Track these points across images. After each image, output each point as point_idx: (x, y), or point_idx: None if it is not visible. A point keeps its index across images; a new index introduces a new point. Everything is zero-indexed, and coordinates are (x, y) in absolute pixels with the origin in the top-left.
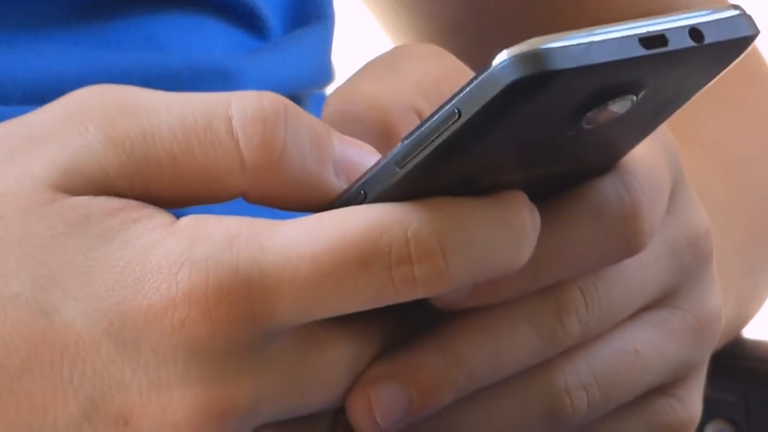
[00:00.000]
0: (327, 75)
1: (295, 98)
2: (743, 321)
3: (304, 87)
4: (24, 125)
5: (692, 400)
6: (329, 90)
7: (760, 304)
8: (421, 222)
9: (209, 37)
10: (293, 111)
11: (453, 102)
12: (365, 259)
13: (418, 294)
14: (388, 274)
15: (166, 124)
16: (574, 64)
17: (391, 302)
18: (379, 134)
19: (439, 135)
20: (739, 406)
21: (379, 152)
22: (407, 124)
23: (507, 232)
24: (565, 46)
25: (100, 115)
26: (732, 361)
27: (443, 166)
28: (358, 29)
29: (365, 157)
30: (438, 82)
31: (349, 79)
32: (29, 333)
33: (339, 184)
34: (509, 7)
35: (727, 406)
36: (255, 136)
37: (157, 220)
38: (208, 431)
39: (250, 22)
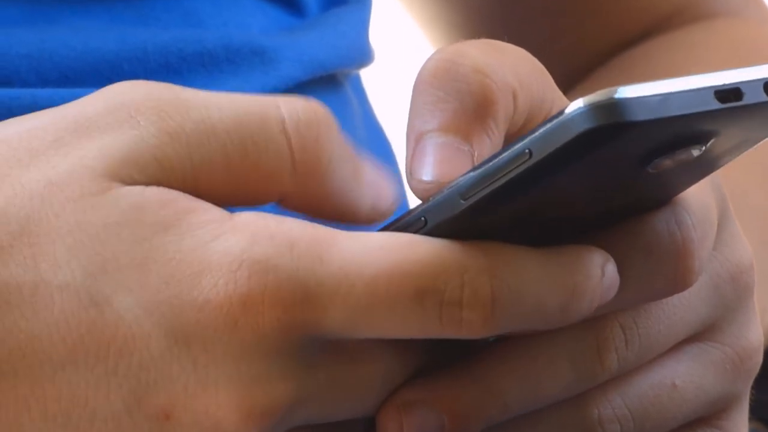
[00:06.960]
0: (366, 55)
1: (333, 78)
2: None
3: (342, 66)
4: (66, 118)
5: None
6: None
7: None
8: (479, 270)
9: (246, 14)
10: (337, 124)
11: (525, 141)
12: (421, 292)
13: (461, 335)
14: (438, 312)
15: (221, 122)
16: (650, 116)
17: (432, 336)
18: (477, 100)
19: (507, 172)
20: None
21: (470, 118)
22: (505, 101)
23: (557, 293)
24: (641, 97)
25: (151, 108)
26: (765, 361)
27: (507, 203)
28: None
29: (387, 183)
30: (531, 75)
31: (455, 44)
32: (77, 323)
33: (369, 203)
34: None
35: (761, 405)
36: (309, 140)
37: (213, 213)
38: (248, 431)
39: None
